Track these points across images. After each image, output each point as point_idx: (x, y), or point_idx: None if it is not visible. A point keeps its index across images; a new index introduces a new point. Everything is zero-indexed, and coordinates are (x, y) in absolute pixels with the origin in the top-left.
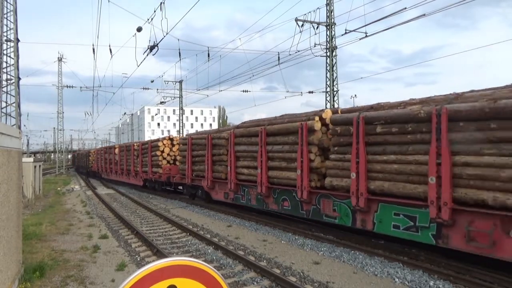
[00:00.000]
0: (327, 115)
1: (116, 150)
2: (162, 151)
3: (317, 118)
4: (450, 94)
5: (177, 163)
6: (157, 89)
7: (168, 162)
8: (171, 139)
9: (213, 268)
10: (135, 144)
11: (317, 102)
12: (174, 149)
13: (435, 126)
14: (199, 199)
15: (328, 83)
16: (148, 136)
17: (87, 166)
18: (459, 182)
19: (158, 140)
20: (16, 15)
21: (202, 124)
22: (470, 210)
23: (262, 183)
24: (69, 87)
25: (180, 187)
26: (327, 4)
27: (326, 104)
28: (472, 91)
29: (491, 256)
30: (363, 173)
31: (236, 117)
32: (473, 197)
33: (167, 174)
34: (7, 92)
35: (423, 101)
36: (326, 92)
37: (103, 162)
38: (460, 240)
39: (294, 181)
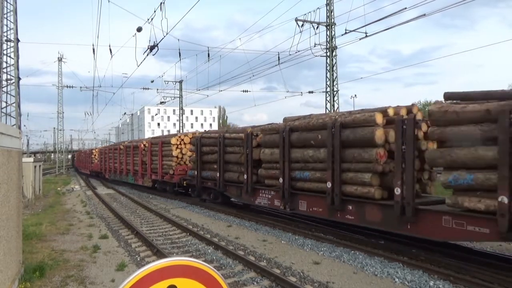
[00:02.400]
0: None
1: (82, 153)
2: (95, 155)
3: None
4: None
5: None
6: (157, 89)
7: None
8: (100, 149)
9: (213, 268)
10: (87, 150)
11: (317, 102)
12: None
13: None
14: (102, 178)
15: (328, 83)
16: (148, 136)
17: (73, 163)
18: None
19: (93, 148)
20: (16, 15)
21: (202, 124)
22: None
23: (116, 169)
24: (69, 87)
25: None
26: (327, 4)
27: (326, 104)
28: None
29: (142, 184)
30: (141, 165)
31: (236, 117)
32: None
33: (95, 168)
34: (7, 92)
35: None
36: (326, 92)
37: (80, 161)
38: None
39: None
